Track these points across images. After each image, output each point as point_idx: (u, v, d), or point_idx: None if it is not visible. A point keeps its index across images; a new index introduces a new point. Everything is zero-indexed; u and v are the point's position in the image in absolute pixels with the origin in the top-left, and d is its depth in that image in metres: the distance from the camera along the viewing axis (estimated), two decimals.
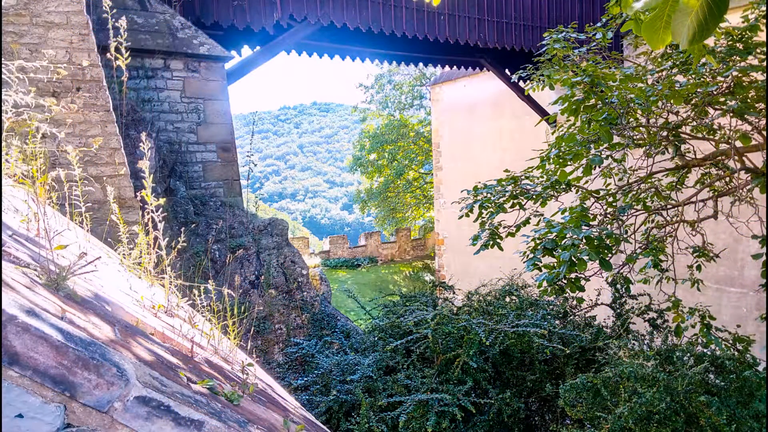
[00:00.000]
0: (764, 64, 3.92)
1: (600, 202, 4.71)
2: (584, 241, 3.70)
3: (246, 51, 8.82)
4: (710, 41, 5.17)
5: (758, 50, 4.10)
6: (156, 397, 0.99)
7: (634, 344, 4.59)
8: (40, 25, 4.20)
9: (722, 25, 3.86)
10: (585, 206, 4.09)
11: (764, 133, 4.28)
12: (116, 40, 4.23)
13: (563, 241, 3.82)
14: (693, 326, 4.62)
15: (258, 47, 8.54)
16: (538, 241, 4.02)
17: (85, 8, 4.38)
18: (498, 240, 4.61)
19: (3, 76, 2.71)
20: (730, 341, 4.36)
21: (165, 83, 6.52)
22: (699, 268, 5.06)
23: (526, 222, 4.70)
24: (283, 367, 5.56)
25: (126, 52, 4.18)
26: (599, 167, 4.59)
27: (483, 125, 15.37)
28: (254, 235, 6.48)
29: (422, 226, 27.37)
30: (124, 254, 2.52)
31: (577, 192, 4.61)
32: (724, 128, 4.83)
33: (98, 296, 1.54)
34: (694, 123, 4.60)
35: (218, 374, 1.62)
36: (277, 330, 6.12)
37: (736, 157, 4.32)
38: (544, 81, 4.68)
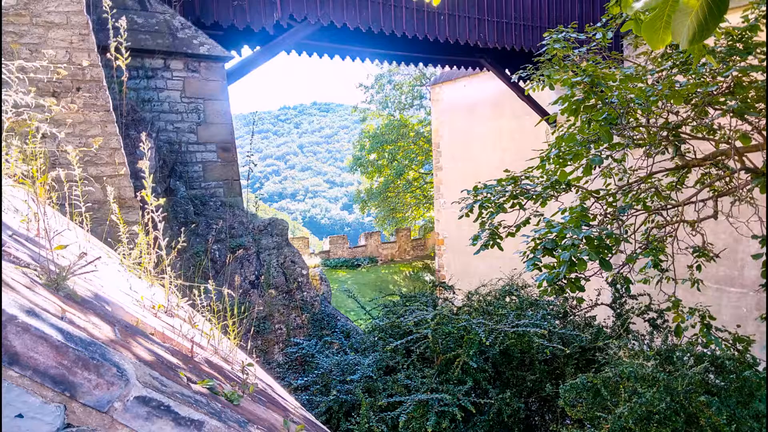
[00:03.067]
0: (764, 64, 3.92)
1: (600, 202, 4.71)
2: (584, 241, 3.70)
3: (246, 51, 8.83)
4: (710, 41, 5.17)
5: (758, 50, 4.10)
6: (156, 397, 0.99)
7: (634, 344, 4.59)
8: (40, 25, 4.20)
9: (722, 25, 3.86)
10: (585, 206, 4.08)
11: (764, 133, 4.28)
12: (116, 40, 4.23)
13: (563, 241, 3.82)
14: (693, 326, 4.62)
15: (258, 47, 8.54)
16: (538, 241, 4.02)
17: (85, 8, 4.38)
18: (498, 240, 4.61)
19: (3, 76, 2.71)
20: (730, 341, 4.36)
21: (165, 83, 6.52)
22: (699, 268, 5.06)
23: (526, 222, 4.70)
24: (283, 367, 5.56)
25: (126, 52, 4.19)
26: (599, 167, 4.59)
27: (483, 125, 15.37)
28: (254, 235, 6.48)
29: (422, 226, 27.37)
30: (124, 254, 2.52)
31: (577, 192, 4.61)
32: (724, 128, 4.83)
33: (98, 296, 1.54)
34: (694, 123, 4.60)
35: (218, 374, 1.62)
36: (277, 330, 6.11)
37: (736, 157, 4.31)
38: (544, 81, 4.68)
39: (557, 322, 5.10)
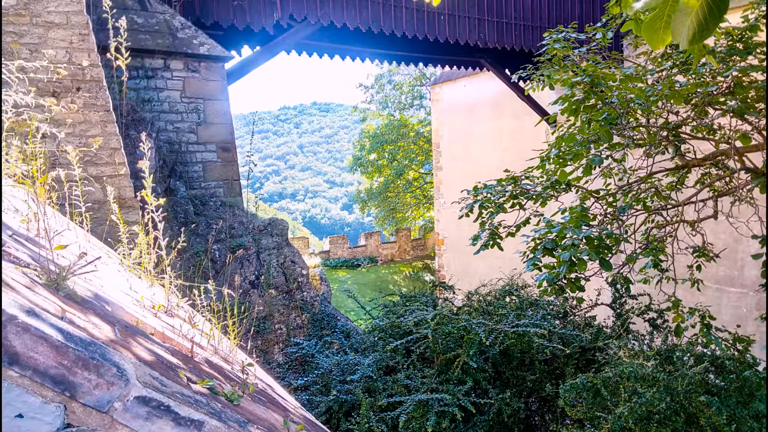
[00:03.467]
0: (764, 64, 3.92)
1: (600, 202, 4.71)
2: (584, 241, 3.70)
3: (246, 51, 8.83)
4: (710, 41, 5.17)
5: (758, 50, 4.10)
6: (156, 397, 0.99)
7: (634, 344, 4.59)
8: (40, 25, 4.20)
9: (722, 25, 3.86)
10: (585, 206, 4.08)
11: (764, 133, 4.28)
12: (116, 40, 4.24)
13: (563, 241, 3.82)
14: (693, 326, 4.62)
15: (258, 47, 8.54)
16: (538, 241, 4.02)
17: (85, 8, 4.38)
18: (498, 240, 4.61)
19: (3, 76, 2.71)
20: (730, 341, 4.36)
21: (165, 83, 6.52)
22: (699, 268, 5.06)
23: (526, 222, 4.70)
24: (283, 367, 5.56)
25: (126, 52, 4.19)
26: (599, 167, 4.59)
27: (483, 125, 15.37)
28: (254, 235, 6.48)
29: (422, 226, 27.38)
30: (124, 254, 2.52)
31: (577, 192, 4.61)
32: (724, 128, 4.83)
33: (98, 296, 1.54)
34: (694, 123, 4.60)
35: (218, 374, 1.62)
36: (277, 330, 6.11)
37: (736, 157, 4.31)
38: (544, 81, 4.68)
39: (557, 322, 5.10)
